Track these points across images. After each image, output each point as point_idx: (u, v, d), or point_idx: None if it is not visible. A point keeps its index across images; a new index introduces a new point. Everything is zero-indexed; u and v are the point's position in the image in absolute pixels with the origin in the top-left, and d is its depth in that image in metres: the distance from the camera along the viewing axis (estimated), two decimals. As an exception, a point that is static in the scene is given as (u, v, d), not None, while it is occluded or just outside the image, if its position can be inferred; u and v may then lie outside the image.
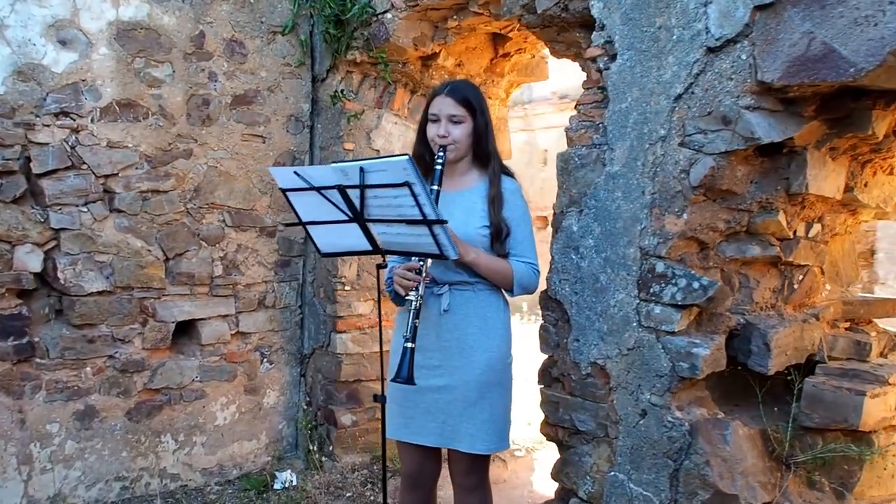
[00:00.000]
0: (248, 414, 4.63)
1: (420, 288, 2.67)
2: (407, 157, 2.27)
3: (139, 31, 4.10)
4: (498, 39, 4.49)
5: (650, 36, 2.80)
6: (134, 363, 4.18)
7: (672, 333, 2.74)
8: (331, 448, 4.56)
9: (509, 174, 2.93)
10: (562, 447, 3.19)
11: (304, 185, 2.50)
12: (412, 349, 2.64)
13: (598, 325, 2.96)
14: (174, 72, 4.23)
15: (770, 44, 2.46)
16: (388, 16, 4.17)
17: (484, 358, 2.83)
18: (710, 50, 2.62)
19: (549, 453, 4.70)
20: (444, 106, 2.79)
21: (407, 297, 2.68)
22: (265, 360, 4.67)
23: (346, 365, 4.54)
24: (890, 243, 7.88)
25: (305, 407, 4.74)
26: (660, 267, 2.77)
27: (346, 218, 2.52)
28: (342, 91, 4.46)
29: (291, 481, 4.41)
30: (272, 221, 4.62)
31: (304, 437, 4.73)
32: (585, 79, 3.33)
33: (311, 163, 4.72)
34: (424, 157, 2.90)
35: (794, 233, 2.88)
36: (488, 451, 2.86)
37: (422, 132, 2.90)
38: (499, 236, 2.79)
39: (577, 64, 3.48)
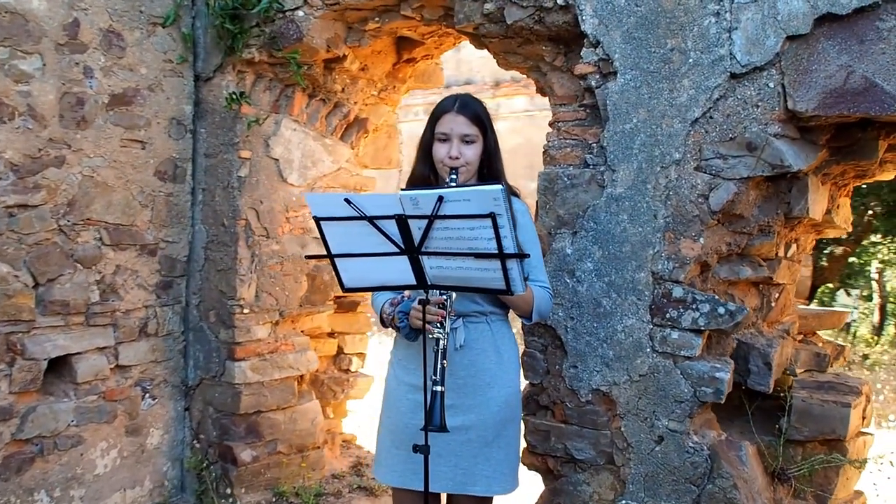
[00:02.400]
0: (131, 458, 4.03)
1: (446, 324, 2.43)
2: (501, 187, 2.04)
3: (3, 15, 3.39)
4: (402, 44, 4.26)
5: (660, 57, 2.77)
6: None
7: (691, 358, 2.73)
8: (229, 489, 4.09)
9: (517, 195, 2.76)
10: (551, 477, 3.08)
11: (351, 213, 2.17)
12: (442, 393, 2.40)
13: (602, 351, 2.88)
14: (45, 65, 3.56)
15: (803, 74, 2.52)
16: (301, 14, 3.80)
17: (501, 394, 2.64)
18: (734, 76, 2.63)
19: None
20: (456, 125, 2.56)
21: (433, 335, 2.43)
22: (147, 395, 4.09)
23: (245, 396, 4.09)
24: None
25: (194, 444, 4.21)
26: (677, 292, 2.74)
27: (394, 250, 2.23)
28: (240, 93, 4.00)
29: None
30: (153, 238, 4.05)
31: (192, 479, 4.21)
32: (554, 94, 3.25)
33: (195, 171, 4.20)
34: (430, 179, 2.65)
35: (776, 253, 2.99)
36: (505, 492, 2.68)
37: (425, 151, 2.65)
38: None
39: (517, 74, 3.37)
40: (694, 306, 2.71)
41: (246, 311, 4.08)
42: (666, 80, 2.76)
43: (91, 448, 3.85)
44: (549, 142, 3.12)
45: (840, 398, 2.93)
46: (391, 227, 2.19)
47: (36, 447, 3.64)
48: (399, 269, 2.30)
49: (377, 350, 6.07)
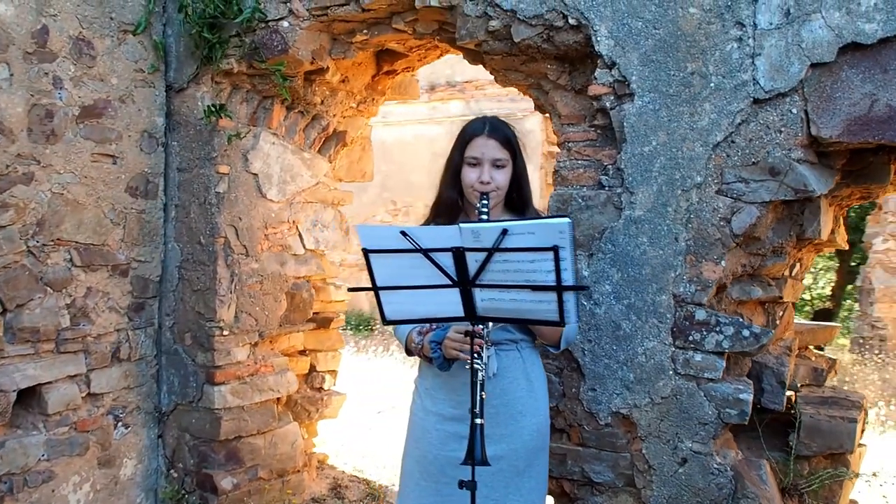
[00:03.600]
0: (104, 491, 3.82)
1: (484, 354, 2.38)
2: (568, 220, 2.00)
3: (-30, 20, 3.16)
4: (383, 56, 4.17)
5: (680, 80, 2.78)
6: (-32, 450, 3.24)
7: (714, 381, 2.75)
8: (208, 519, 3.92)
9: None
10: (567, 500, 3.06)
11: (404, 246, 2.09)
12: (482, 426, 2.34)
13: (622, 373, 2.88)
14: (12, 75, 3.33)
15: (826, 101, 2.56)
16: (286, 24, 3.66)
17: (533, 423, 2.60)
18: (757, 101, 2.66)
19: None
20: (488, 149, 2.51)
21: (470, 366, 2.36)
22: (120, 423, 3.88)
23: (225, 421, 3.93)
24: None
25: (170, 474, 4.02)
26: (700, 314, 2.76)
27: (446, 283, 2.16)
28: (220, 106, 3.83)
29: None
30: (125, 257, 3.85)
31: (167, 510, 4.02)
32: (557, 112, 3.23)
33: (167, 187, 4.01)
34: (457, 203, 2.59)
35: (783, 273, 3.04)
36: (534, 521, 2.64)
37: (453, 174, 2.58)
38: None
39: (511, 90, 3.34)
40: (718, 329, 2.74)
41: (226, 332, 3.91)
42: (686, 104, 2.77)
43: (63, 483, 3.63)
44: (559, 162, 3.09)
45: (845, 413, 3.01)
46: (446, 260, 2.12)
47: (5, 485, 3.41)
48: (447, 302, 2.23)
49: (349, 366, 5.97)
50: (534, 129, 11.67)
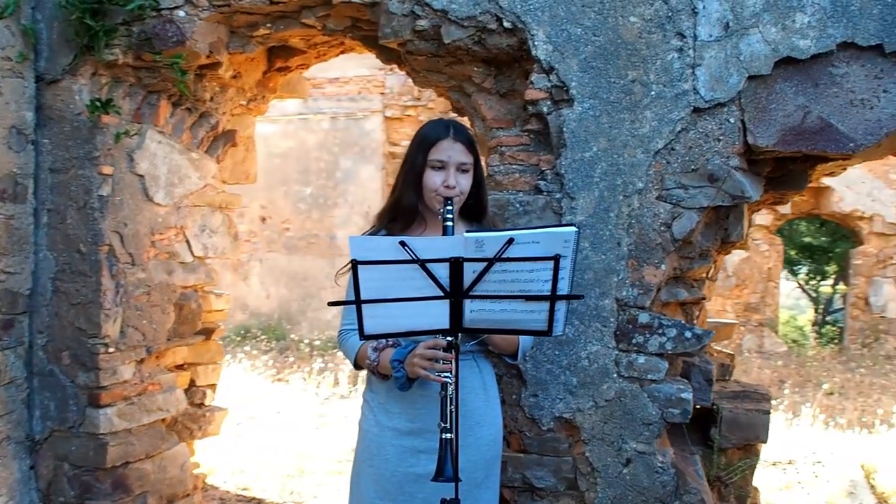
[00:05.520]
0: (-29, 536, 3.37)
1: (453, 368, 2.30)
2: (575, 229, 1.96)
3: None
4: (276, 52, 3.96)
5: (620, 88, 2.83)
6: None
7: (657, 382, 2.82)
8: (93, 556, 3.55)
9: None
10: (507, 507, 3.03)
11: (400, 256, 1.97)
12: (452, 440, 2.27)
13: (565, 378, 2.89)
14: None
15: (762, 112, 2.70)
16: (182, 14, 3.38)
17: (491, 433, 2.56)
18: (697, 110, 2.75)
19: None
20: (455, 153, 2.43)
21: (443, 381, 2.28)
22: (-13, 457, 3.44)
23: (112, 446, 3.56)
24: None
25: (45, 509, 3.61)
26: (643, 318, 2.83)
27: (437, 294, 2.06)
28: (107, 100, 3.47)
29: None
30: (-8, 269, 3.41)
31: (41, 550, 3.61)
32: (481, 116, 3.21)
33: (37, 189, 3.58)
34: (416, 208, 2.49)
35: (702, 275, 3.18)
36: (491, 531, 2.60)
37: (413, 178, 2.48)
38: None
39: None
40: (661, 331, 2.81)
41: (111, 349, 3.56)
42: (627, 111, 2.82)
43: (-75, 529, 3.16)
44: (492, 166, 3.06)
45: (759, 406, 3.19)
46: (441, 271, 2.03)
47: None
48: (434, 314, 2.13)
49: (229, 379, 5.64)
50: (374, 130, 11.61)
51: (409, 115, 11.73)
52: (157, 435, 3.81)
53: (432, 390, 2.42)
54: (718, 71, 2.72)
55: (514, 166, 3.03)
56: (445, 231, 2.35)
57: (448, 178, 2.41)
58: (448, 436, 2.22)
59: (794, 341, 12.11)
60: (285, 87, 4.30)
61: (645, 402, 2.82)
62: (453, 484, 2.24)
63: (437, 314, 2.14)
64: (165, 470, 3.86)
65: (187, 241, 3.94)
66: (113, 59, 3.48)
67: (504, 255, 2.00)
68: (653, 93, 2.79)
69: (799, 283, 17.91)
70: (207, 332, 4.32)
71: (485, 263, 2.01)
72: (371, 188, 11.63)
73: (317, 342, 10.51)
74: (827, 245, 15.13)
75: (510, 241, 1.97)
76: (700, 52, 2.74)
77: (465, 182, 2.45)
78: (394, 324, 2.17)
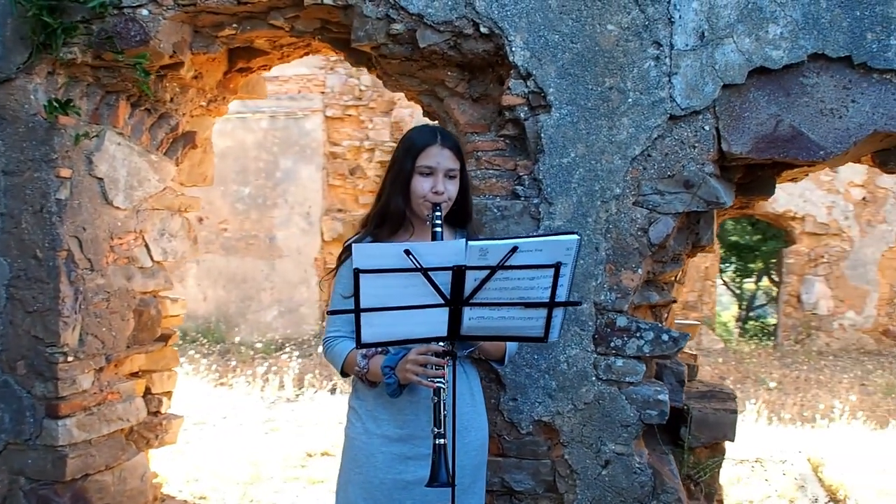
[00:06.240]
0: (-77, 556, 3.21)
1: (447, 374, 2.31)
2: (577, 237, 1.98)
3: None
4: (238, 52, 3.88)
5: (598, 95, 2.86)
6: None
7: (635, 384, 2.87)
8: (51, 572, 3.43)
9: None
10: (485, 511, 3.04)
11: (404, 264, 1.96)
12: (446, 445, 2.27)
13: (545, 382, 2.92)
14: None
15: (736, 120, 2.77)
16: (145, 13, 3.29)
17: (478, 438, 2.58)
18: (673, 118, 2.81)
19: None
20: (443, 159, 2.43)
21: (436, 386, 2.28)
22: (-61, 473, 3.29)
23: (71, 459, 3.45)
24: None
25: (0, 526, 3.47)
26: (621, 321, 2.87)
27: (438, 302, 2.06)
28: (66, 101, 3.35)
29: None
30: (-57, 276, 3.26)
31: (-4, 568, 3.47)
32: (454, 120, 3.21)
33: (-11, 192, 3.45)
34: (405, 214, 2.48)
35: (672, 278, 3.25)
36: (478, 537, 2.61)
37: (401, 184, 2.46)
38: None
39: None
40: (638, 334, 2.86)
41: (70, 358, 3.44)
42: (605, 118, 2.86)
43: None
44: (468, 171, 3.06)
45: (726, 405, 3.27)
46: (443, 278, 2.02)
47: None
48: (432, 322, 2.13)
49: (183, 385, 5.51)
50: (315, 129, 11.48)
51: (349, 115, 11.64)
52: (116, 446, 3.71)
53: (420, 397, 2.42)
54: (694, 79, 2.78)
55: (490, 171, 3.04)
56: (434, 237, 2.35)
57: (437, 185, 2.41)
58: (442, 441, 2.22)
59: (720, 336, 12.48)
60: (244, 87, 4.22)
61: (623, 404, 2.87)
62: (447, 489, 2.25)
63: (436, 322, 2.14)
64: (125, 482, 3.75)
65: (146, 246, 3.84)
66: (71, 57, 3.37)
67: (507, 264, 2.00)
68: (630, 100, 2.83)
69: (724, 281, 18.40)
70: (164, 339, 4.22)
71: (486, 271, 2.02)
72: (311, 188, 11.50)
73: (258, 344, 10.35)
74: (754, 244, 15.58)
75: (514, 249, 1.97)
76: (676, 60, 2.79)
77: (452, 188, 2.46)
78: (391, 332, 2.16)
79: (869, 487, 4.56)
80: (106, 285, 3.60)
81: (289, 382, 8.29)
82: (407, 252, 1.95)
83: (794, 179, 3.34)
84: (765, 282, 16.60)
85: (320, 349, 2.60)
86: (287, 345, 10.32)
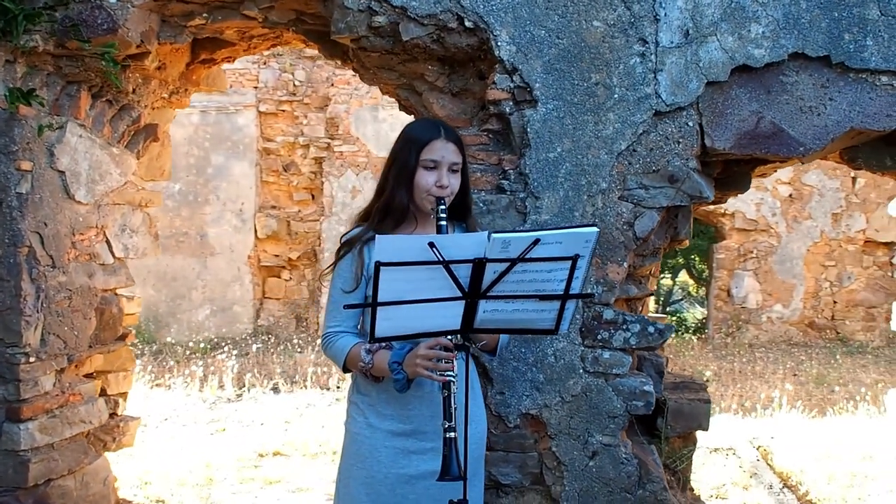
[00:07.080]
0: None
1: (455, 368, 2.30)
2: (596, 229, 2.00)
3: None
4: (202, 43, 3.78)
5: (584, 90, 2.90)
6: None
7: (621, 376, 2.91)
8: (12, 583, 3.28)
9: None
10: (471, 506, 3.04)
11: (427, 257, 1.95)
12: (456, 439, 2.27)
13: (532, 375, 2.94)
14: None
15: (719, 116, 2.84)
16: (113, 0, 3.18)
17: (479, 430, 2.57)
18: (658, 113, 2.86)
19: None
20: (448, 153, 2.42)
21: (447, 380, 2.27)
22: None
23: (34, 464, 3.30)
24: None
25: (-44, 536, 3.30)
26: (608, 314, 2.91)
27: (454, 294, 2.05)
28: (30, 90, 3.20)
29: None
30: None
31: (-49, 580, 3.30)
32: (432, 114, 3.20)
33: (-57, 185, 3.27)
34: (408, 208, 2.46)
35: (648, 272, 3.31)
36: (476, 531, 2.61)
37: (405, 178, 2.44)
38: None
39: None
40: (625, 327, 2.90)
41: (32, 359, 3.29)
42: (591, 113, 2.89)
43: None
44: (452, 165, 3.05)
45: (699, 396, 3.35)
46: (463, 271, 2.01)
47: None
48: (447, 315, 2.12)
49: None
50: (248, 125, 11.27)
51: (283, 111, 11.48)
52: (79, 449, 3.57)
53: (425, 391, 2.41)
54: (679, 76, 2.84)
55: (475, 165, 3.04)
56: (440, 230, 2.34)
57: (441, 178, 2.40)
58: (453, 434, 2.22)
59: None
60: (205, 80, 4.12)
61: (610, 395, 2.91)
62: (458, 483, 2.24)
63: (451, 315, 2.13)
64: (88, 486, 3.62)
65: (108, 242, 3.70)
66: (32, 45, 3.22)
67: (528, 257, 2.01)
68: (616, 96, 2.87)
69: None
70: (122, 338, 4.08)
71: (506, 264, 2.02)
72: (244, 185, 11.28)
73: (191, 343, 10.10)
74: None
75: (536, 241, 1.98)
76: (661, 57, 2.84)
77: (455, 182, 2.45)
78: (406, 326, 2.14)
79: (818, 473, 4.73)
80: (68, 283, 3.46)
81: (228, 382, 8.12)
82: (431, 245, 1.93)
83: (763, 175, 3.44)
84: (682, 277, 17.05)
85: (319, 343, 2.54)
86: (224, 344, 10.11)
